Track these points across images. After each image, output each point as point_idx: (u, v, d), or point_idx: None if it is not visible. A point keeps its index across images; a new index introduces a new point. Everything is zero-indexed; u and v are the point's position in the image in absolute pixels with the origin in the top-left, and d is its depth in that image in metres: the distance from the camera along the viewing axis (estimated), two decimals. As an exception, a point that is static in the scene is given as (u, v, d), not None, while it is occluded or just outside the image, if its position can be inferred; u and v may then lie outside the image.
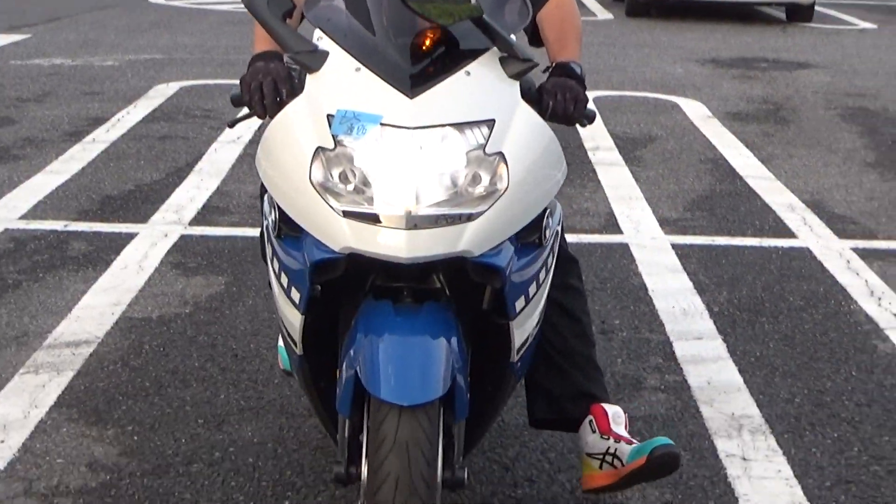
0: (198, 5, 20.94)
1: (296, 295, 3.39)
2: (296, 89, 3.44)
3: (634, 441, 4.10)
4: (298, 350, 3.50)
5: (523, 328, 3.50)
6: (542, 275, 3.53)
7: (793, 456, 4.78)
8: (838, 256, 7.37)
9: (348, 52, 3.34)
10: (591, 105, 3.72)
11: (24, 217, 7.74)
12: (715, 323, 6.20)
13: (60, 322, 5.97)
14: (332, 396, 3.50)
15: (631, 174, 9.21)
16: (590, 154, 9.79)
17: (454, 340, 3.30)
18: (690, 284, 6.77)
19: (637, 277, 6.87)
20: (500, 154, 3.23)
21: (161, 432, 4.88)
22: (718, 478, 4.61)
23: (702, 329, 6.11)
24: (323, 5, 3.53)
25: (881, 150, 10.53)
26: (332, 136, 3.21)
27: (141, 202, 8.18)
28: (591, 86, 3.95)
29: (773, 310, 6.43)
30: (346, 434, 3.36)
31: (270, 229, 3.53)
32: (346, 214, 3.18)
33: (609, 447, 4.11)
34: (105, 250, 7.10)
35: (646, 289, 6.66)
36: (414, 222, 3.15)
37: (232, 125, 3.89)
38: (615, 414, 4.16)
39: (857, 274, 7.03)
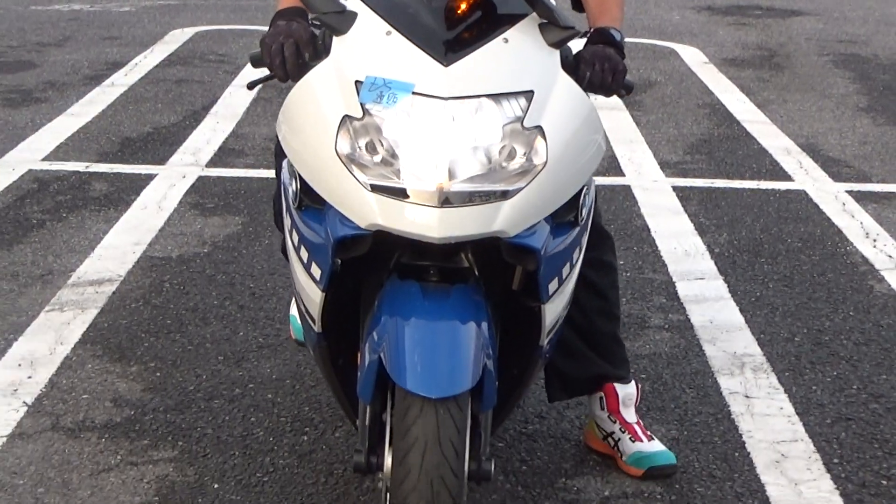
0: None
1: (316, 271, 3.16)
2: (320, 52, 3.20)
3: (640, 437, 4.09)
4: (317, 327, 3.28)
5: (555, 310, 3.28)
6: (575, 255, 3.31)
7: (794, 394, 4.74)
8: (834, 199, 7.30)
9: (378, 15, 3.09)
10: (629, 76, 3.44)
11: (46, 158, 7.67)
12: (716, 263, 6.14)
13: (84, 261, 5.91)
14: (350, 376, 3.36)
15: (631, 118, 9.12)
16: (590, 98, 9.68)
17: (484, 326, 3.05)
18: (691, 226, 6.71)
19: (640, 219, 6.81)
20: (539, 128, 2.99)
21: (182, 368, 4.83)
22: (722, 415, 4.57)
23: (703, 269, 6.06)
24: None
25: (873, 95, 10.44)
26: (361, 104, 2.97)
27: (159, 144, 8.11)
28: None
29: (772, 251, 6.37)
30: (368, 421, 3.11)
31: (291, 200, 3.29)
32: (374, 189, 2.94)
33: (614, 432, 4.11)
34: (125, 191, 7.03)
35: (648, 230, 6.60)
36: (446, 198, 2.91)
37: (251, 87, 3.58)
38: (626, 396, 4.11)
39: (853, 216, 6.97)
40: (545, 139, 2.99)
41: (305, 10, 3.41)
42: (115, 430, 4.34)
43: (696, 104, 9.79)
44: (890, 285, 5.91)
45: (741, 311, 5.53)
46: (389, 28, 3.06)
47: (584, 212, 3.32)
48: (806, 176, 7.82)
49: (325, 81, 3.08)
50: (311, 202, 3.19)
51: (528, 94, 3.01)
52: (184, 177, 7.33)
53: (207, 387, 4.68)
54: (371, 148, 2.97)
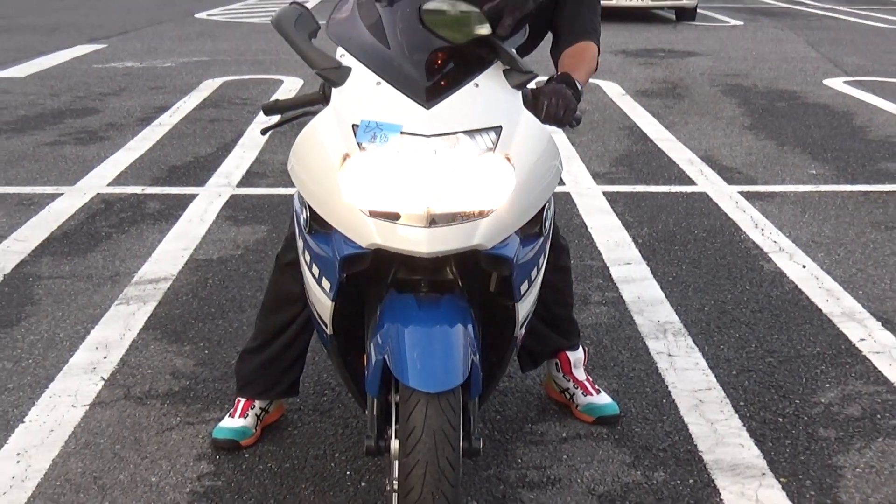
0: (232, 18, 20.65)
1: (326, 284, 3.08)
2: (316, 97, 3.16)
3: (591, 391, 4.08)
4: (329, 330, 3.20)
5: (526, 307, 3.22)
6: (541, 260, 3.25)
7: (706, 352, 4.71)
8: (729, 198, 7.28)
9: (369, 68, 2.99)
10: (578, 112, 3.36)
11: (110, 184, 7.59)
12: (640, 251, 6.11)
13: (143, 264, 5.85)
14: (358, 370, 3.28)
15: (568, 139, 9.08)
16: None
17: (469, 328, 2.98)
18: (619, 222, 6.68)
19: (578, 218, 6.77)
20: (507, 157, 2.90)
21: (226, 347, 4.78)
22: (651, 370, 4.54)
23: (630, 256, 6.03)
24: (343, 25, 3.18)
25: (754, 116, 10.44)
26: (358, 143, 2.87)
27: (198, 170, 8.04)
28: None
29: (683, 240, 6.34)
30: (375, 412, 3.02)
31: (302, 226, 3.21)
32: (372, 214, 2.85)
33: (568, 388, 4.11)
34: (174, 208, 6.96)
35: (586, 226, 6.57)
36: (433, 220, 2.82)
37: (264, 133, 3.54)
38: (576, 360, 4.11)
39: (744, 211, 6.95)
40: (513, 166, 2.91)
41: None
42: (175, 397, 4.29)
43: (618, 127, 9.77)
44: (776, 265, 5.89)
45: (661, 288, 5.50)
46: (379, 79, 2.96)
47: (547, 224, 3.28)
48: (706, 181, 7.80)
49: (327, 125, 3.00)
50: (319, 227, 3.11)
51: (498, 129, 2.92)
52: (219, 195, 7.26)
53: (246, 361, 4.62)
54: (366, 180, 2.87)
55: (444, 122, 2.88)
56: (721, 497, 3.58)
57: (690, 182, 7.77)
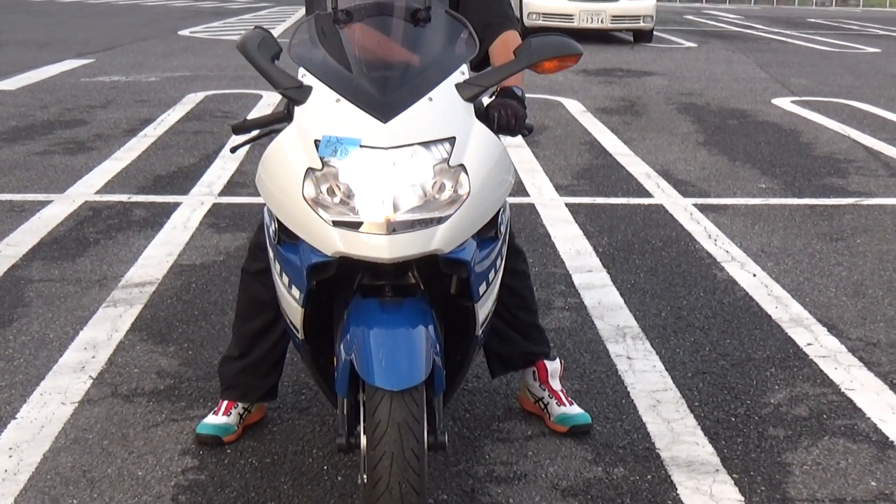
0: (214, 36, 20.59)
1: (296, 292, 3.07)
2: (279, 115, 3.16)
3: (564, 402, 4.03)
4: (300, 336, 3.19)
5: (485, 308, 3.21)
6: (498, 262, 3.24)
7: (663, 355, 4.73)
8: (683, 210, 7.32)
9: (329, 87, 3.00)
10: (528, 120, 3.42)
11: (98, 192, 7.55)
12: (600, 260, 6.13)
13: (130, 268, 5.82)
14: (330, 371, 3.26)
15: (532, 153, 9.11)
16: (501, 139, 9.65)
17: (431, 328, 2.98)
18: (580, 232, 6.71)
19: (542, 228, 6.79)
20: (462, 166, 2.91)
21: (209, 348, 4.76)
22: (611, 372, 4.56)
23: (591, 264, 6.05)
24: (303, 47, 3.17)
25: (707, 133, 10.51)
26: (320, 157, 2.88)
27: (182, 179, 8.01)
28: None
29: (641, 249, 6.37)
30: (345, 411, 3.03)
31: (272, 237, 3.19)
32: (336, 224, 2.86)
33: (543, 397, 4.06)
34: (159, 215, 6.93)
35: (549, 236, 6.59)
36: (393, 227, 2.83)
37: (233, 151, 3.56)
38: (553, 370, 4.08)
39: (698, 223, 6.98)
40: (468, 174, 2.92)
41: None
42: (160, 396, 4.27)
43: (579, 142, 9.81)
44: (728, 273, 5.92)
45: (621, 294, 5.52)
46: (338, 97, 2.97)
47: (502, 228, 3.28)
48: (662, 193, 7.84)
49: (291, 141, 2.99)
50: (287, 238, 3.09)
51: (452, 140, 2.93)
52: (202, 203, 7.24)
53: (228, 361, 4.61)
54: (330, 192, 2.88)
55: (400, 134, 2.89)
56: (677, 492, 3.60)
57: (648, 195, 7.80)
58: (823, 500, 3.55)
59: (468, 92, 3.07)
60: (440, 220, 2.89)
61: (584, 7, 19.67)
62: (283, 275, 3.15)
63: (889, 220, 7.16)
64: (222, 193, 7.58)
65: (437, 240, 2.90)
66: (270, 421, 4.07)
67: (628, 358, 4.68)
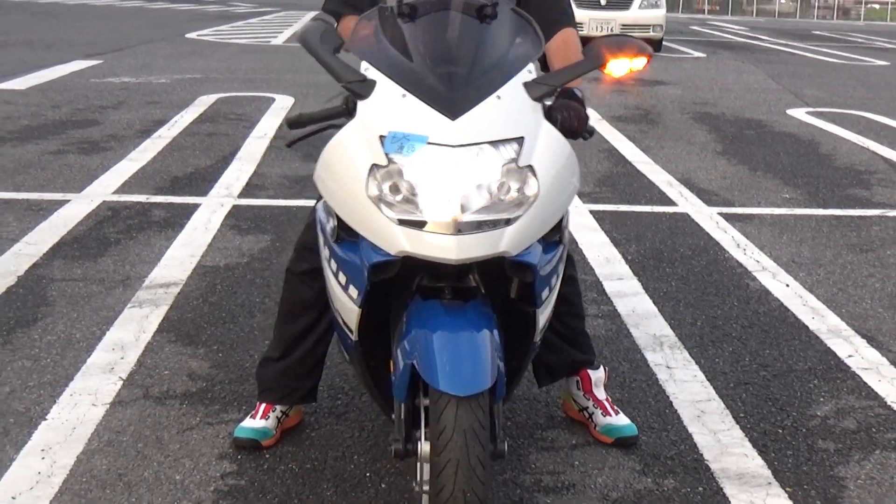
0: (222, 39, 20.53)
1: (353, 292, 2.97)
2: (350, 110, 3.01)
3: (610, 412, 3.93)
4: (354, 337, 3.08)
5: (545, 313, 3.13)
6: (559, 267, 3.14)
7: (703, 365, 4.64)
8: (709, 219, 7.24)
9: (394, 81, 2.89)
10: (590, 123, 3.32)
11: (116, 192, 7.46)
12: (630, 267, 6.05)
13: (153, 269, 5.72)
14: (381, 375, 3.18)
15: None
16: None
17: (495, 333, 2.87)
18: (607, 239, 6.62)
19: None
20: (530, 167, 2.80)
21: (239, 350, 4.67)
22: (652, 381, 4.47)
23: (621, 272, 5.96)
24: (366, 41, 3.07)
25: (725, 142, 10.44)
26: (385, 154, 2.78)
27: (200, 181, 7.92)
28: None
29: (670, 258, 6.29)
30: (402, 415, 2.93)
31: (329, 235, 3.08)
32: (401, 222, 2.74)
33: (587, 407, 3.97)
34: (178, 216, 6.84)
35: (576, 242, 6.49)
36: (459, 228, 2.73)
37: (290, 146, 3.37)
38: (597, 379, 3.98)
39: (725, 232, 6.90)
40: (536, 176, 2.82)
41: None
42: (193, 398, 4.17)
43: (598, 149, 9.72)
44: (761, 283, 5.84)
45: (654, 302, 5.44)
46: (404, 92, 2.86)
47: (566, 233, 3.17)
48: (686, 202, 7.76)
49: (354, 137, 2.89)
50: (347, 236, 2.99)
51: (520, 140, 2.83)
52: (222, 205, 7.15)
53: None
54: (395, 189, 2.78)
55: (468, 133, 2.79)
56: (730, 506, 3.50)
57: (672, 203, 7.72)
58: (881, 516, 3.46)
59: (537, 91, 2.98)
60: (508, 222, 2.79)
61: (594, 16, 19.60)
62: (340, 274, 3.05)
63: (917, 233, 7.08)
64: (242, 195, 7.49)
65: (504, 242, 2.80)
66: (308, 426, 3.97)
67: (668, 367, 4.59)
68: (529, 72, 3.02)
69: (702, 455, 3.83)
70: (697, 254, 6.37)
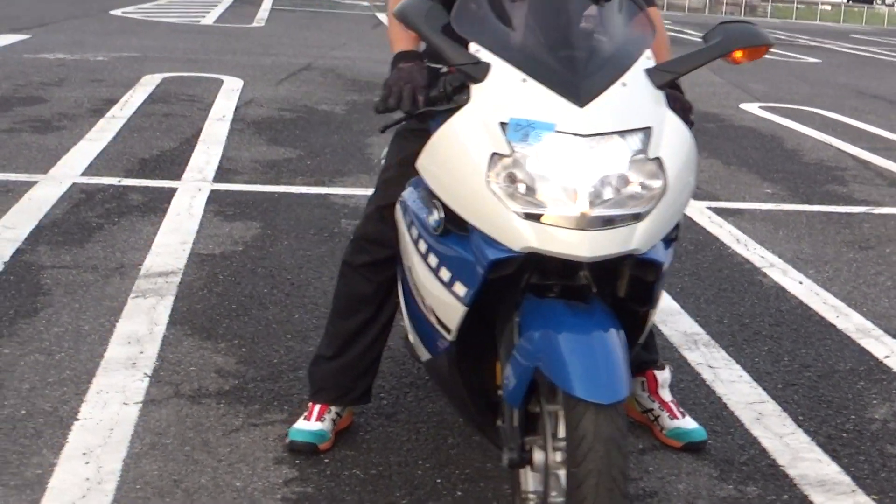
0: (148, 17, 20.02)
1: (460, 289, 2.76)
2: (446, 95, 2.84)
3: (676, 415, 3.79)
4: (451, 337, 2.88)
5: (655, 314, 2.97)
6: (671, 265, 2.96)
7: (744, 364, 4.53)
8: (700, 213, 7.14)
9: (512, 65, 2.69)
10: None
11: (84, 174, 7.13)
12: (639, 262, 5.90)
13: (146, 257, 5.45)
14: (473, 379, 3.00)
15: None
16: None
17: (622, 335, 2.67)
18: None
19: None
20: (658, 159, 2.62)
21: (262, 345, 4.44)
22: (698, 381, 4.34)
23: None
24: (475, 21, 2.85)
25: (704, 139, 10.33)
26: (507, 142, 2.58)
27: (169, 164, 7.62)
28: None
29: (676, 252, 6.14)
30: (516, 422, 2.75)
31: (431, 228, 2.85)
32: (527, 216, 2.55)
33: (653, 409, 3.82)
34: (157, 200, 6.56)
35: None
36: (589, 223, 2.54)
37: (384, 131, 3.15)
38: (663, 381, 3.82)
39: (721, 227, 6.82)
40: (664, 168, 2.64)
41: (419, 51, 3.08)
42: (228, 397, 3.94)
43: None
44: (774, 280, 5.75)
45: (674, 298, 5.30)
46: (525, 76, 2.67)
47: (680, 228, 2.99)
48: (672, 195, 7.64)
49: (470, 124, 2.69)
50: (456, 229, 2.78)
51: (647, 130, 2.64)
52: (199, 190, 6.87)
53: (288, 360, 4.30)
54: (520, 181, 2.59)
55: (598, 121, 2.61)
56: (822, 514, 3.38)
57: (658, 196, 7.59)
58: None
59: (660, 78, 2.79)
60: (639, 217, 2.61)
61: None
62: (443, 269, 2.85)
63: (907, 230, 7.08)
64: (217, 180, 7.22)
65: (636, 239, 2.62)
66: (359, 427, 3.78)
67: (710, 367, 4.46)
68: (648, 58, 2.84)
69: (775, 460, 3.71)
70: (700, 249, 6.27)
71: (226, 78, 11.83)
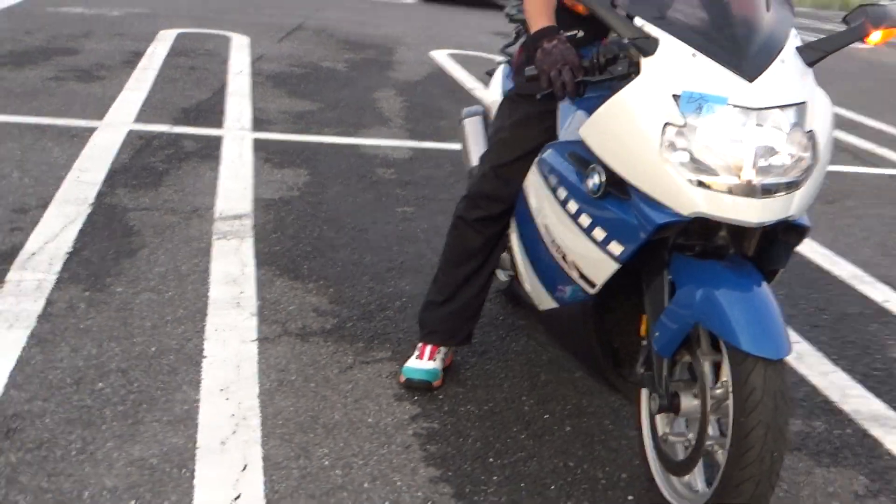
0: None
1: (615, 248, 2.59)
2: (594, 70, 2.66)
3: None
4: (595, 290, 2.72)
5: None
6: None
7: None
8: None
9: (681, 40, 2.50)
10: None
11: (137, 121, 6.75)
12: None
13: (215, 201, 5.16)
14: (603, 331, 2.87)
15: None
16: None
17: (773, 292, 2.53)
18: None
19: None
20: (811, 132, 2.48)
21: (346, 286, 4.21)
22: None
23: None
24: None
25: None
26: (681, 113, 2.41)
27: (208, 114, 7.24)
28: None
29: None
30: (665, 371, 2.62)
31: (590, 190, 2.66)
32: (699, 184, 2.40)
33: None
34: (208, 147, 6.23)
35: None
36: (756, 191, 2.39)
37: (540, 99, 2.81)
38: None
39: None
40: (816, 141, 2.50)
41: (556, 26, 2.84)
42: (333, 335, 3.72)
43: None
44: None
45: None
46: (694, 51, 2.48)
47: None
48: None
49: (641, 95, 2.50)
50: (617, 193, 2.60)
51: (802, 105, 2.49)
52: (242, 139, 6.54)
53: (374, 300, 4.09)
54: (692, 151, 2.41)
55: (766, 95, 2.44)
56: (886, 447, 3.27)
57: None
58: None
59: (810, 56, 2.62)
60: (797, 186, 2.47)
61: None
62: (597, 229, 2.67)
63: (856, 188, 6.98)
64: (255, 129, 6.87)
65: (794, 205, 2.48)
66: (458, 366, 3.58)
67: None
68: (795, 36, 2.66)
69: (827, 397, 3.59)
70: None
71: (232, 35, 11.35)
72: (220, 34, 11.37)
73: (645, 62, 2.54)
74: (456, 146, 6.83)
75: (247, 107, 7.55)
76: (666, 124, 2.43)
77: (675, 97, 2.44)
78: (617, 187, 2.61)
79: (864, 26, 2.68)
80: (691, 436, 2.69)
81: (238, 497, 2.64)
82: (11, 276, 3.90)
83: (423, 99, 8.57)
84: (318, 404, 3.18)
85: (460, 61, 11.12)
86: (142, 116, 6.89)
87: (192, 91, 7.96)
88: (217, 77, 8.65)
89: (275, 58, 10.09)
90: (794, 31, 2.64)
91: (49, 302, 3.72)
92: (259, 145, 6.40)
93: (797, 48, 2.60)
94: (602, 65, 2.68)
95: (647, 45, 2.53)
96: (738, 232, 2.62)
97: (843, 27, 2.75)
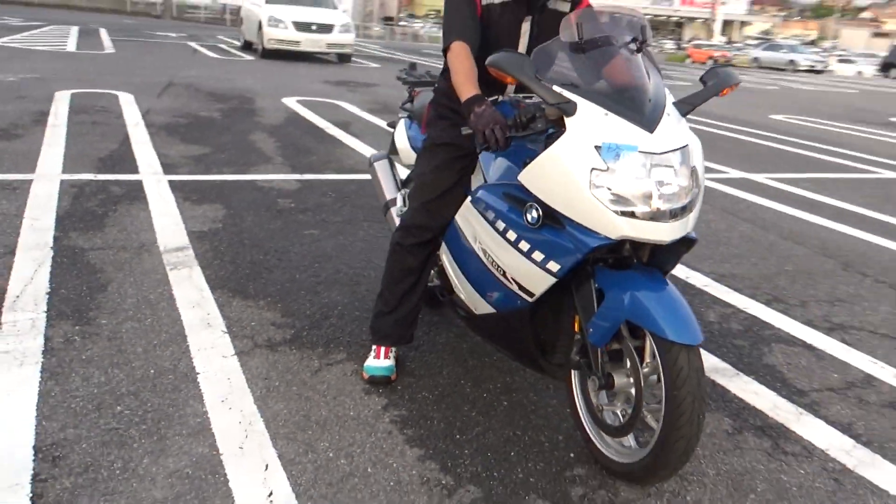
0: (23, 46, 17.73)
1: (553, 266, 2.55)
2: (521, 126, 2.61)
3: None
4: (533, 299, 2.67)
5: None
6: None
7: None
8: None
9: (595, 103, 2.50)
10: None
11: (65, 172, 6.19)
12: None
13: (155, 236, 4.79)
14: (536, 330, 2.81)
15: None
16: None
17: None
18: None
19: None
20: (694, 167, 2.51)
21: (290, 300, 3.99)
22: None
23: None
24: (555, 72, 2.61)
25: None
26: (603, 160, 2.41)
27: (122, 161, 6.72)
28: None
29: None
30: (601, 358, 2.63)
31: (531, 222, 2.60)
32: (622, 214, 2.40)
33: None
34: (133, 190, 5.78)
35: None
36: (665, 215, 2.42)
37: (479, 151, 2.87)
38: None
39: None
40: (697, 173, 2.54)
41: (482, 94, 2.76)
42: (295, 343, 3.51)
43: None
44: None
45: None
46: (605, 111, 2.49)
47: None
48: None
49: (571, 147, 2.48)
50: (552, 223, 2.57)
51: (686, 147, 2.52)
52: (159, 181, 6.12)
53: (317, 311, 3.89)
54: (614, 188, 2.42)
55: (663, 142, 2.48)
56: (733, 392, 3.36)
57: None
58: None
59: (683, 109, 2.68)
60: (689, 209, 2.51)
61: (308, 37, 18.71)
62: (536, 252, 2.63)
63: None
64: (166, 173, 6.44)
65: (689, 224, 2.54)
66: (402, 360, 3.44)
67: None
68: (669, 93, 2.69)
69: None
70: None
71: (120, 94, 10.63)
72: (107, 93, 10.63)
73: (569, 121, 2.51)
74: (331, 176, 6.64)
75: (152, 153, 7.07)
76: (592, 169, 2.43)
77: (597, 147, 2.43)
78: (551, 219, 2.57)
79: (718, 84, 2.74)
80: (622, 406, 2.69)
81: (271, 494, 2.44)
82: (6, 317, 3.48)
83: (291, 139, 8.28)
84: (304, 404, 2.99)
85: (308, 106, 10.84)
86: (67, 167, 6.32)
87: (101, 143, 7.38)
88: (118, 129, 8.07)
89: (160, 111, 9.52)
90: (668, 91, 2.67)
91: (47, 338, 3.33)
92: (175, 186, 6.00)
93: (673, 103, 2.64)
94: (524, 123, 2.64)
95: (569, 108, 2.51)
96: (637, 245, 2.63)
97: (700, 86, 2.79)
